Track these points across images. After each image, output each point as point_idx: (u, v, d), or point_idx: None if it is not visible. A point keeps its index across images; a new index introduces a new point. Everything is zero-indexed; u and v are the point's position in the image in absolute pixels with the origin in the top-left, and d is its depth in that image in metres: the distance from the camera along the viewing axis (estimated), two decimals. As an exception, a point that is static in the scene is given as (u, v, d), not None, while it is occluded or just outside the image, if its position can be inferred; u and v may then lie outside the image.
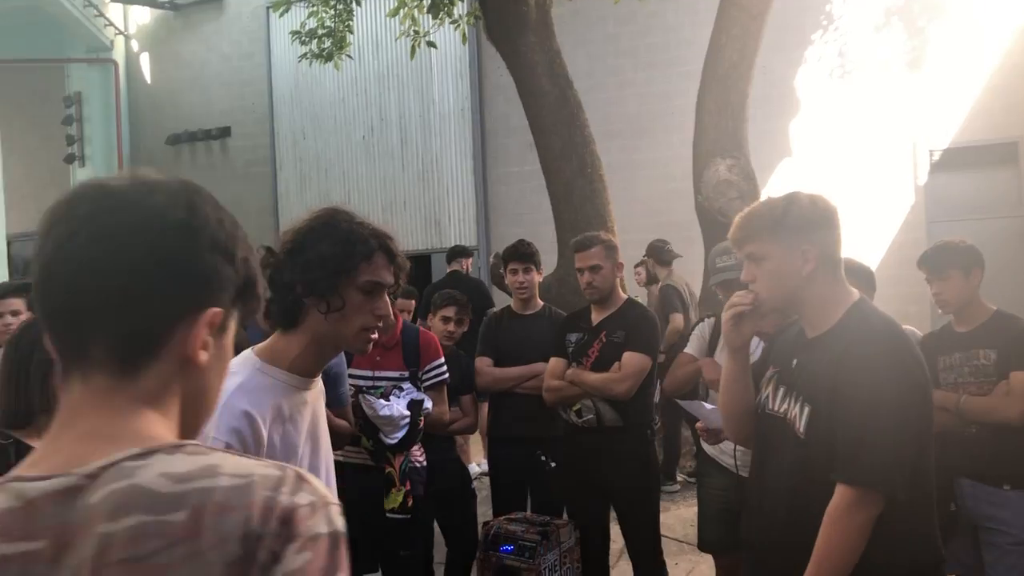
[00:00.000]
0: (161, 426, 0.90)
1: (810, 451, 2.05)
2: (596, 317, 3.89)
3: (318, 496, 0.86)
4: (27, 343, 2.40)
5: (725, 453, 3.43)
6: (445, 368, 3.82)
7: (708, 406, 3.22)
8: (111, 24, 13.09)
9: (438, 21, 7.50)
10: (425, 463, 3.67)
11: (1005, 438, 3.20)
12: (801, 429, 2.06)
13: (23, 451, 2.28)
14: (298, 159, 12.73)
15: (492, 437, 4.47)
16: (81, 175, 13.15)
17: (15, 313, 3.79)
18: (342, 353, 3.36)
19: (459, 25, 7.80)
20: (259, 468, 0.85)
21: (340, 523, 0.87)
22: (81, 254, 0.87)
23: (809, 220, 2.10)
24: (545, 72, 6.90)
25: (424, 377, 3.71)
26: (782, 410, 2.16)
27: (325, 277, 1.76)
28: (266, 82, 12.80)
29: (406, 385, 3.58)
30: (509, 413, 4.26)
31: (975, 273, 3.35)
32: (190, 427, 0.95)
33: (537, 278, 4.36)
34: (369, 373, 3.61)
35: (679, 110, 8.47)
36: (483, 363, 4.29)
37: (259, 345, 1.87)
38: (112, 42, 13.27)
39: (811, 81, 9.97)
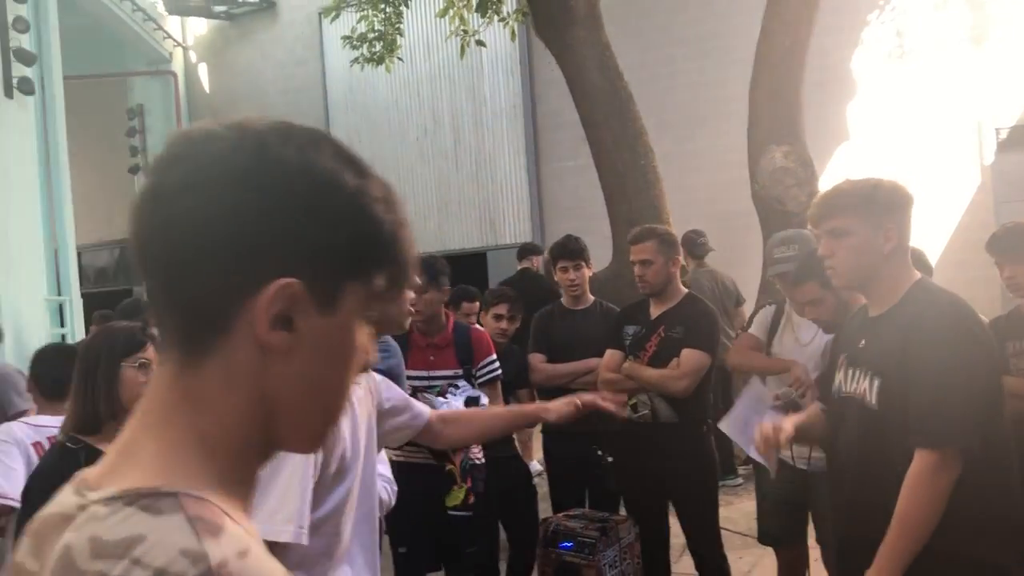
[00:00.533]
0: (180, 442, 0.72)
1: (884, 421, 2.11)
2: (655, 311, 3.86)
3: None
4: (95, 350, 2.49)
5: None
6: (498, 364, 3.84)
7: (751, 401, 3.18)
8: (170, 37, 13.41)
9: (486, 19, 7.54)
10: (483, 460, 3.69)
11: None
12: (872, 400, 2.14)
13: (93, 456, 2.36)
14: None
15: (546, 432, 4.47)
16: (146, 185, 13.50)
17: None
18: (400, 355, 3.41)
19: (507, 23, 7.81)
20: (175, 564, 0.64)
21: None
22: (141, 214, 0.75)
23: (894, 201, 2.21)
24: (595, 66, 6.88)
25: (478, 374, 3.74)
26: (854, 389, 2.23)
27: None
28: (321, 87, 12.98)
29: (461, 383, 3.62)
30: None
31: None
32: (297, 438, 0.78)
33: (587, 273, 4.35)
34: (424, 373, 3.65)
35: (733, 98, 8.36)
36: (536, 359, 4.30)
37: None
38: (171, 54, 13.60)
39: (868, 63, 9.75)
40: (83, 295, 9.73)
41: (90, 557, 0.66)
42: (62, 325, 9.36)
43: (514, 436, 4.34)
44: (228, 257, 0.71)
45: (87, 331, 8.62)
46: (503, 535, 4.29)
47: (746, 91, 6.75)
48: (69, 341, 8.83)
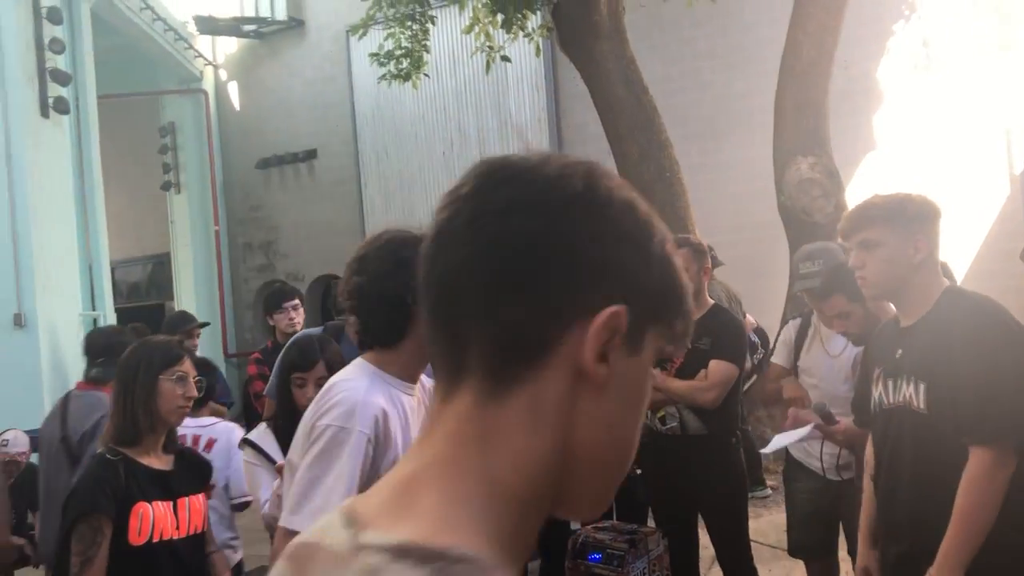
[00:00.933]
0: (467, 492, 0.67)
1: (935, 424, 2.14)
2: None
3: None
4: (134, 363, 2.56)
5: (812, 456, 3.39)
6: None
7: (791, 437, 3.18)
8: (200, 56, 13.62)
9: (512, 36, 7.60)
10: None
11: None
12: (921, 405, 2.17)
13: (131, 467, 2.42)
14: (382, 177, 13.01)
15: None
16: (177, 202, 13.71)
17: None
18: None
19: (532, 38, 7.88)
20: None
21: None
22: (453, 238, 0.70)
23: (923, 213, 2.27)
24: (620, 79, 6.93)
25: None
26: (898, 399, 2.26)
27: None
28: (348, 104, 13.12)
29: None
30: None
31: None
32: (586, 501, 0.72)
33: None
34: None
35: (759, 109, 8.36)
36: None
37: (367, 355, 2.00)
38: (202, 73, 13.80)
39: (895, 73, 9.71)
40: (116, 310, 9.90)
41: None
42: (96, 340, 9.51)
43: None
44: (560, 279, 0.67)
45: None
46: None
47: (771, 102, 6.76)
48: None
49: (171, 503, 2.48)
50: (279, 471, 2.51)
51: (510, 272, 0.68)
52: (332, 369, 2.72)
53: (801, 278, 3.53)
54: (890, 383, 2.28)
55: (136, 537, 2.38)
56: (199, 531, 2.55)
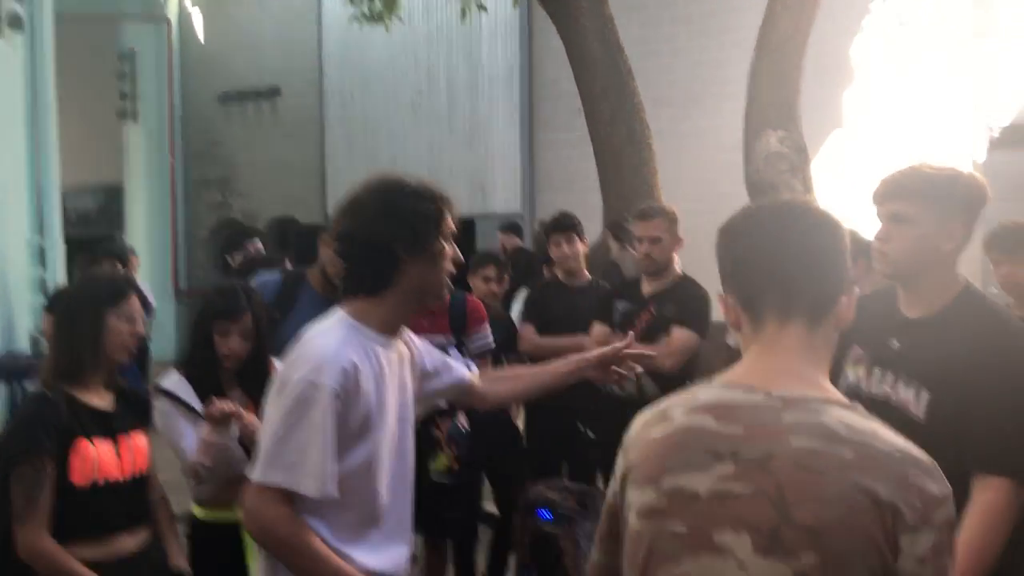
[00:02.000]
0: (825, 379, 1.26)
1: (931, 437, 1.86)
2: (647, 288, 3.85)
3: (947, 490, 1.14)
4: (79, 298, 2.45)
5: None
6: (491, 337, 3.82)
7: None
8: (165, -19, 13.19)
9: (490, -16, 7.44)
10: (469, 428, 3.70)
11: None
12: (920, 414, 1.98)
13: (73, 405, 2.32)
14: (346, 120, 12.78)
15: (528, 405, 4.48)
16: (133, 132, 13.35)
17: None
18: None
19: (510, -12, 7.73)
20: (906, 447, 1.17)
21: (954, 513, 1.15)
22: (798, 242, 1.26)
23: (971, 199, 2.04)
24: (596, 37, 6.82)
25: (471, 344, 3.72)
26: (884, 393, 2.08)
27: (428, 231, 1.88)
28: (316, 42, 12.82)
29: (452, 351, 3.60)
30: None
31: None
32: (827, 370, 1.30)
33: (581, 248, 4.34)
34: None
35: (732, 79, 8.32)
36: (527, 330, 4.28)
37: (347, 306, 1.96)
38: (166, 0, 13.37)
39: (868, 52, 9.72)
40: (66, 239, 9.63)
41: (848, 430, 1.15)
42: (44, 268, 9.26)
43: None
44: (839, 271, 1.28)
45: (69, 274, 8.54)
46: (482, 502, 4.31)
47: (745, 74, 6.72)
48: (49, 284, 8.76)
49: (112, 441, 2.36)
50: (211, 419, 2.44)
51: (823, 267, 1.29)
52: (257, 322, 2.64)
53: None
54: (877, 372, 2.11)
55: (79, 477, 2.28)
56: (142, 471, 2.45)
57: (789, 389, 1.20)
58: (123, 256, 5.19)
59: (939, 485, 1.13)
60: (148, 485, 2.50)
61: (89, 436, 2.31)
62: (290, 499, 1.79)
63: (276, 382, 1.89)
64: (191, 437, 2.55)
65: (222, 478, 2.54)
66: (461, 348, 3.68)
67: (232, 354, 2.61)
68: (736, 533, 1.13)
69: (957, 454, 1.91)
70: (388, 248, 1.85)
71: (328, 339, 1.86)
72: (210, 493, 2.61)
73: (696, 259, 6.07)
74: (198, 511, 2.69)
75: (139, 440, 2.45)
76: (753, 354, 1.28)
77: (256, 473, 1.82)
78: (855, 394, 2.12)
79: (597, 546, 1.41)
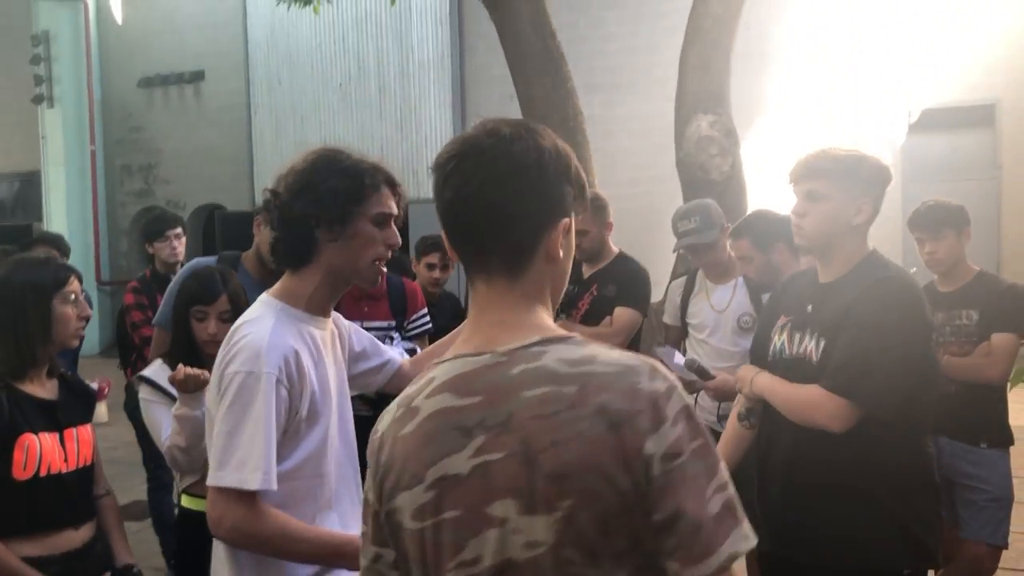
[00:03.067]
0: (545, 315, 1.24)
1: (822, 378, 2.17)
2: (587, 270, 3.87)
3: (670, 382, 1.13)
4: (19, 286, 2.31)
5: (704, 410, 3.47)
6: (428, 318, 3.82)
7: (679, 358, 3.23)
8: (80, -39, 12.75)
9: (420, -33, 7.37)
10: None
11: (983, 397, 3.27)
12: (815, 359, 2.22)
13: (15, 396, 2.23)
14: (273, 106, 12.55)
15: None
16: (50, 117, 12.89)
17: None
18: None
19: (441, -29, 7.67)
20: (622, 359, 1.15)
21: (687, 399, 1.13)
22: (477, 195, 1.18)
23: (876, 178, 2.28)
24: (528, 21, 6.82)
25: (409, 327, 3.71)
26: (799, 352, 2.30)
27: (338, 208, 1.80)
28: (241, 26, 12.55)
29: (395, 335, 3.57)
30: None
31: (966, 233, 3.39)
32: (555, 301, 1.28)
33: None
34: (358, 323, 3.59)
35: (663, 64, 8.42)
36: None
37: (273, 288, 1.89)
38: (81, -21, 12.94)
39: (791, 37, 9.94)
40: (-20, 228, 9.29)
41: (568, 366, 1.13)
42: (-43, 259, 8.91)
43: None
44: (538, 213, 1.20)
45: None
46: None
47: (673, 58, 6.80)
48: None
49: (58, 434, 2.27)
50: (178, 382, 2.38)
51: (512, 214, 1.19)
52: (235, 303, 2.58)
53: (681, 235, 3.60)
54: (796, 336, 2.33)
55: (21, 471, 2.18)
56: (88, 463, 2.36)
57: (511, 341, 1.18)
58: (61, 245, 4.98)
59: (661, 381, 1.12)
60: (93, 477, 2.42)
61: (34, 429, 2.21)
62: (251, 496, 1.72)
63: (214, 379, 1.82)
64: (167, 423, 2.49)
65: (197, 460, 2.47)
66: (400, 331, 3.66)
67: (212, 338, 2.53)
68: (503, 500, 1.12)
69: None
70: (303, 224, 1.79)
71: (261, 327, 1.78)
72: (194, 479, 2.54)
73: (630, 241, 6.16)
74: (185, 500, 2.62)
75: (84, 431, 2.36)
76: (472, 314, 1.25)
77: (210, 477, 1.74)
78: (779, 358, 2.37)
79: (364, 552, 1.30)
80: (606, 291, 3.71)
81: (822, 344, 2.22)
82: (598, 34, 10.44)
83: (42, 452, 2.21)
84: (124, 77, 13.13)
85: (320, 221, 1.79)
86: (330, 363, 1.89)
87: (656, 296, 4.64)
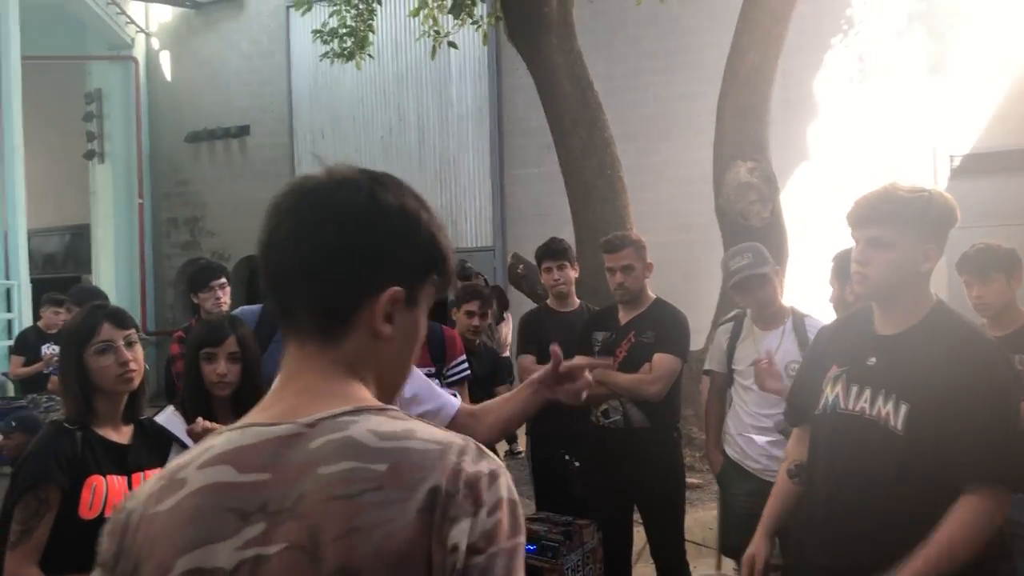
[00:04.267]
0: (363, 390, 1.05)
1: (913, 450, 2.00)
2: (624, 316, 3.86)
3: (496, 466, 0.98)
4: (63, 343, 2.43)
5: (749, 458, 3.42)
6: (467, 364, 3.83)
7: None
8: (132, 22, 13.17)
9: (459, 22, 7.53)
10: None
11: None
12: (899, 426, 2.02)
13: (89, 437, 2.35)
14: (316, 158, 12.78)
15: (535, 435, 4.45)
16: (100, 172, 13.25)
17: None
18: None
19: (480, 26, 7.82)
20: (446, 437, 0.99)
21: (514, 492, 0.98)
22: (284, 242, 1.04)
23: (944, 221, 2.10)
24: (566, 73, 6.92)
25: (448, 374, 3.72)
26: (861, 408, 2.12)
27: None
28: (285, 81, 12.86)
29: (434, 381, 3.59)
30: (552, 411, 4.20)
31: (1016, 277, 3.32)
32: (386, 392, 1.09)
33: (572, 274, 4.35)
34: None
35: (699, 112, 8.46)
36: (528, 360, 4.21)
37: None
38: (133, 40, 13.36)
39: (831, 85, 9.94)
40: (32, 280, 9.52)
41: (380, 439, 0.96)
42: (9, 310, 9.13)
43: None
44: (354, 272, 1.03)
45: (35, 316, 8.42)
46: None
47: (712, 106, 6.84)
48: (16, 326, 8.62)
49: (126, 478, 2.34)
50: (195, 435, 2.41)
51: (320, 268, 1.02)
52: (243, 345, 2.63)
53: (733, 272, 3.57)
54: (855, 389, 2.13)
55: (87, 511, 2.26)
56: None
57: (317, 411, 0.99)
58: (82, 299, 5.18)
59: (487, 463, 0.97)
60: None
61: (102, 471, 2.29)
62: None
63: None
64: None
65: None
66: (439, 378, 3.68)
67: (221, 379, 2.60)
68: None
69: (939, 466, 1.98)
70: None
71: None
72: None
73: (669, 288, 6.13)
74: None
75: (152, 476, 2.42)
76: (280, 379, 1.07)
77: None
78: (833, 412, 2.18)
79: None
80: (644, 337, 3.70)
81: (903, 408, 2.02)
82: (635, 84, 10.54)
83: (108, 493, 2.29)
84: (172, 132, 13.49)
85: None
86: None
87: (696, 344, 4.61)
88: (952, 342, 2.02)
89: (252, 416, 1.05)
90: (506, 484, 0.97)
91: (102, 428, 2.37)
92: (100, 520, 2.25)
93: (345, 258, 1.02)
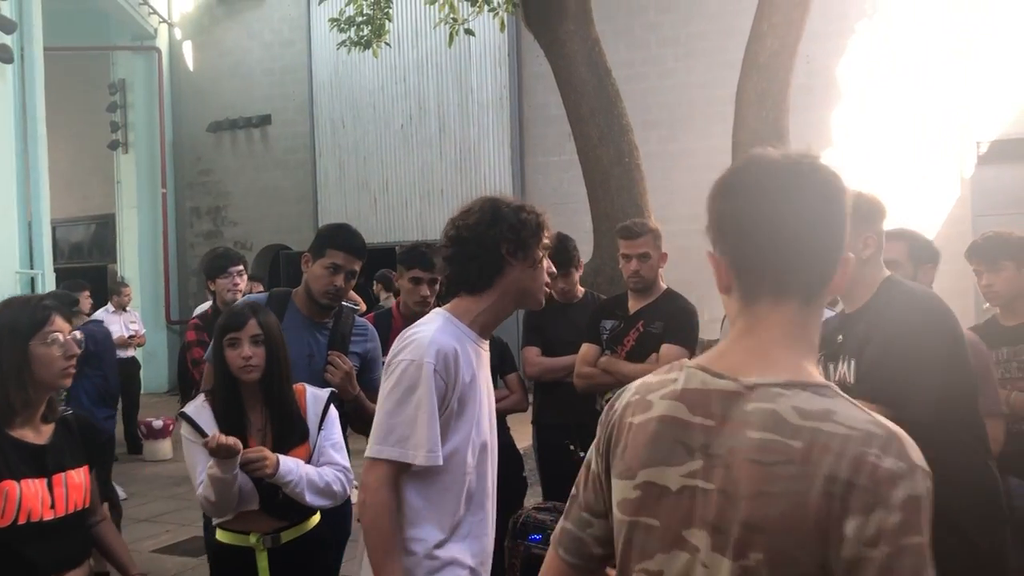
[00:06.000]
0: (808, 357, 1.17)
1: (859, 395, 2.13)
2: (633, 305, 3.81)
3: (909, 464, 1.02)
4: None
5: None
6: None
7: None
8: (155, 12, 13.25)
9: (476, 9, 7.48)
10: None
11: (1055, 434, 3.13)
12: (851, 379, 2.28)
13: (3, 442, 2.18)
14: (337, 147, 12.81)
15: (540, 424, 4.42)
16: (124, 162, 13.36)
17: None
18: (378, 340, 3.35)
19: (497, 13, 7.77)
20: (865, 424, 1.06)
21: (924, 488, 1.02)
22: (785, 222, 1.15)
23: (872, 211, 2.39)
24: (584, 61, 6.86)
25: None
26: (835, 379, 2.34)
27: (531, 236, 2.09)
28: (306, 70, 12.88)
29: None
30: (558, 400, 4.18)
31: None
32: (811, 353, 1.20)
33: (576, 276, 4.29)
34: None
35: (720, 100, 8.37)
36: (531, 353, 4.16)
37: (447, 305, 2.16)
38: (156, 30, 13.44)
39: (855, 70, 9.79)
40: (57, 270, 9.61)
41: (801, 417, 1.06)
42: (33, 299, 9.22)
43: (506, 422, 4.24)
44: (840, 243, 1.18)
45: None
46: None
47: (731, 94, 6.75)
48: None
49: (45, 479, 2.18)
50: (211, 450, 2.39)
51: (818, 242, 1.17)
52: (266, 328, 2.62)
53: None
54: (830, 366, 2.38)
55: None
56: (80, 507, 2.25)
57: (759, 375, 1.12)
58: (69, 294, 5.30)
59: (897, 460, 1.01)
60: (85, 521, 2.31)
61: (16, 476, 2.13)
62: (399, 472, 1.96)
63: (385, 367, 2.08)
64: (203, 466, 2.51)
65: (226, 512, 2.53)
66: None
67: (247, 362, 2.56)
68: (701, 530, 1.10)
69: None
70: (495, 249, 2.06)
71: (430, 327, 2.05)
72: (229, 517, 2.58)
73: (690, 277, 6.09)
74: (220, 535, 2.65)
75: (77, 475, 2.27)
76: (736, 334, 1.19)
77: (370, 449, 1.98)
78: None
79: (571, 513, 1.32)
80: (653, 327, 3.65)
81: (852, 363, 2.29)
82: (655, 71, 10.45)
83: (23, 498, 2.13)
84: (195, 122, 13.57)
85: (510, 246, 2.07)
86: (482, 379, 2.12)
87: (713, 333, 4.56)
88: (888, 301, 2.32)
89: (712, 358, 1.20)
90: (912, 483, 1.01)
91: (18, 430, 2.20)
92: (14, 527, 2.11)
93: (838, 230, 1.18)
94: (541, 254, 2.13)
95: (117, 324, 8.56)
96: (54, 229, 10.30)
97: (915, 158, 9.40)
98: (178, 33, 13.76)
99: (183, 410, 2.66)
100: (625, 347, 3.69)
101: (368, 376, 3.13)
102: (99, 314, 8.28)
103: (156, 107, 13.38)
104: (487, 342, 2.17)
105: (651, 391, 1.21)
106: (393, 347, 2.08)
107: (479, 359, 2.11)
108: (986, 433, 2.36)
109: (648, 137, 8.60)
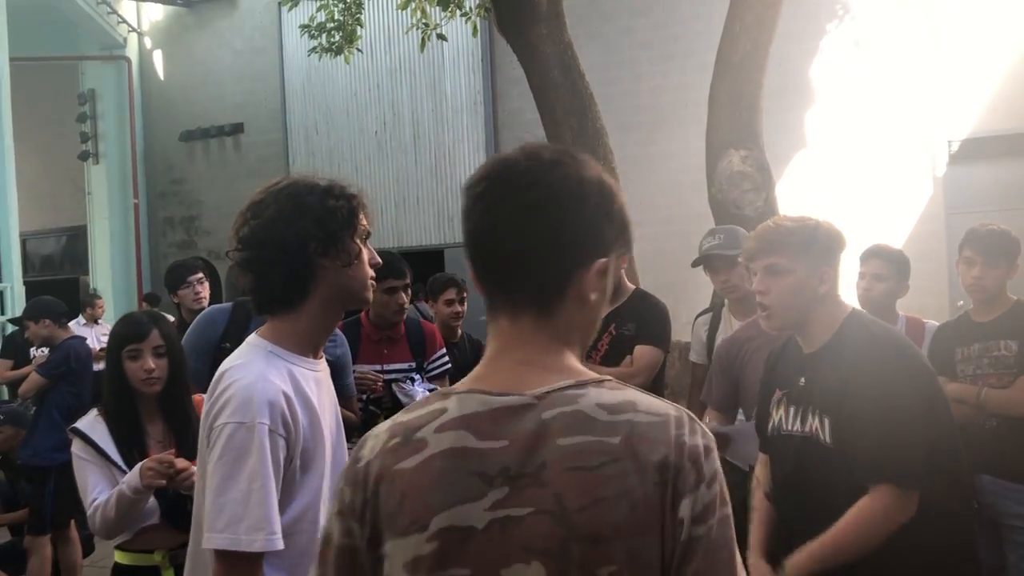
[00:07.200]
0: (574, 359, 1.12)
1: (843, 459, 2.10)
2: (604, 308, 3.80)
3: (709, 439, 1.05)
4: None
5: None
6: (447, 359, 3.80)
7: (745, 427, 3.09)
8: (124, 21, 13.11)
9: (448, 13, 7.44)
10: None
11: (1027, 432, 3.12)
12: (827, 439, 2.13)
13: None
14: (311, 154, 12.72)
15: None
16: (95, 172, 13.19)
17: None
18: (347, 345, 3.30)
19: (469, 18, 7.73)
20: (663, 407, 1.06)
21: (717, 463, 1.05)
22: (505, 225, 1.08)
23: (832, 245, 2.23)
24: (556, 64, 6.83)
25: (429, 368, 3.68)
26: (798, 428, 2.22)
27: (343, 228, 1.72)
28: (278, 77, 12.79)
29: (416, 376, 3.55)
30: None
31: (1014, 266, 3.26)
32: (582, 352, 1.17)
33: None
34: (378, 367, 3.56)
35: (695, 102, 8.37)
36: None
37: (261, 329, 1.77)
38: (125, 39, 13.29)
39: (827, 71, 9.84)
40: (27, 283, 9.47)
41: (608, 413, 1.03)
42: (2, 312, 9.08)
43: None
44: (573, 250, 1.09)
45: (29, 320, 8.37)
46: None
47: (706, 96, 6.75)
48: (10, 329, 8.57)
49: None
50: (161, 475, 2.29)
51: (542, 248, 1.09)
52: (168, 340, 2.54)
53: (703, 250, 3.62)
54: (792, 410, 2.25)
55: None
56: None
57: (541, 383, 1.06)
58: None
59: (700, 437, 1.03)
60: None
61: None
62: (252, 559, 1.58)
63: (202, 428, 1.69)
64: (96, 487, 2.39)
65: (123, 530, 2.42)
66: (420, 372, 3.63)
67: (149, 375, 2.49)
68: (527, 564, 0.99)
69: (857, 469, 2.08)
70: (301, 251, 1.66)
71: (249, 372, 1.64)
72: (127, 537, 2.48)
73: (668, 280, 6.07)
74: (119, 556, 2.55)
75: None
76: (494, 350, 1.12)
77: (205, 540, 1.61)
78: (779, 434, 2.30)
79: None
80: (625, 330, 3.62)
81: (827, 422, 2.13)
82: (630, 74, 10.45)
83: None
84: (166, 131, 13.43)
85: (322, 245, 1.68)
86: (324, 406, 1.76)
87: (687, 334, 4.55)
88: (857, 350, 2.14)
89: (479, 378, 1.11)
90: (714, 456, 1.04)
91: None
92: None
93: (565, 238, 1.08)
94: (358, 246, 1.76)
95: (89, 337, 8.43)
96: (24, 242, 10.15)
97: (888, 157, 9.46)
98: (148, 42, 13.62)
99: (75, 425, 2.54)
100: (599, 351, 3.65)
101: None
102: (71, 327, 8.15)
103: (127, 117, 13.22)
104: (320, 359, 1.80)
105: (416, 429, 1.08)
106: (209, 399, 1.67)
107: (318, 383, 1.75)
108: (971, 481, 2.30)
109: (625, 140, 8.58)
